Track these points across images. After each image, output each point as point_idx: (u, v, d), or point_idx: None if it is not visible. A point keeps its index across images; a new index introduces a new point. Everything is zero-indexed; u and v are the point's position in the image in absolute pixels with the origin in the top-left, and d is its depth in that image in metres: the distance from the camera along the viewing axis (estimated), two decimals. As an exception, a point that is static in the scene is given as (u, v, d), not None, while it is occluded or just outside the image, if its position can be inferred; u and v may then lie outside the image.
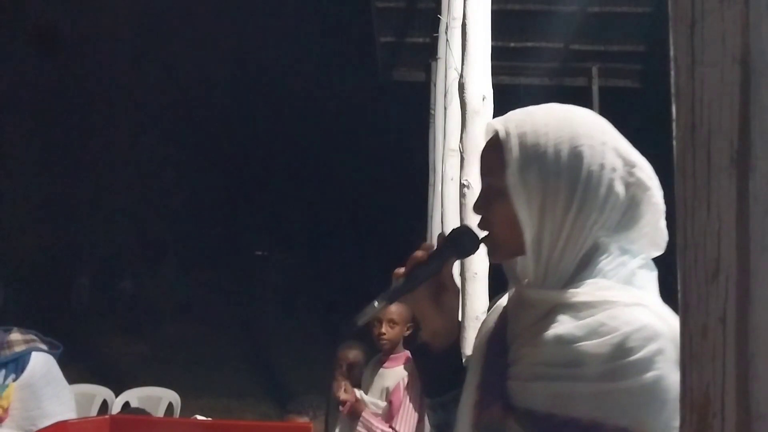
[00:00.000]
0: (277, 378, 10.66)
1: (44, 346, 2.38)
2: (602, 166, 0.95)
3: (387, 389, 3.10)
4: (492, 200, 1.01)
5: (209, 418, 2.81)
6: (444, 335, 1.07)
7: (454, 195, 3.57)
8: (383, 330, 3.12)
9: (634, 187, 0.97)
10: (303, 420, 2.64)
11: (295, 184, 22.63)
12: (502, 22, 4.84)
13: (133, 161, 18.84)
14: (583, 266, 0.96)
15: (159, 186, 19.07)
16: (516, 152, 0.97)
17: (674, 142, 0.51)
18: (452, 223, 3.79)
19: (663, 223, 0.99)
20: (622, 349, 0.87)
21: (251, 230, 23.30)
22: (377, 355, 3.29)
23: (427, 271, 1.03)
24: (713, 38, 0.47)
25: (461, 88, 2.63)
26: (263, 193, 22.58)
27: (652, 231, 0.99)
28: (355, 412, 3.01)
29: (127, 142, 18.61)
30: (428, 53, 6.08)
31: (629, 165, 0.97)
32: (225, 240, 21.98)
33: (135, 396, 5.05)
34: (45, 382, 2.32)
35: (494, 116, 2.70)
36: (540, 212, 0.96)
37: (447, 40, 3.90)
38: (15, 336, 2.35)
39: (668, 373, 0.85)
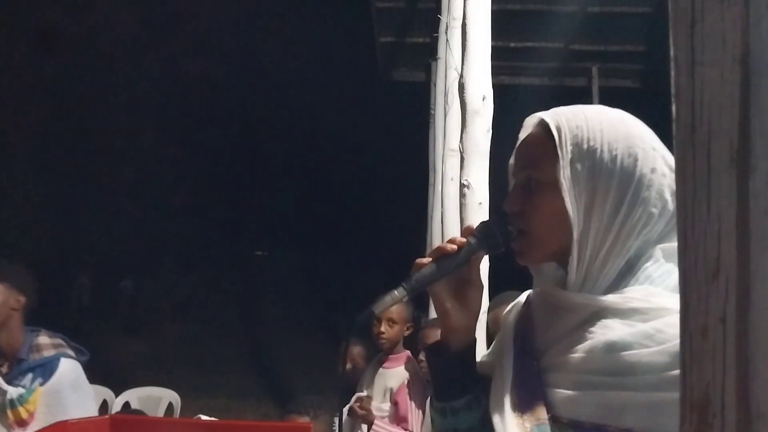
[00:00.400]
0: (277, 378, 10.66)
1: (71, 352, 2.38)
2: (654, 171, 0.92)
3: (390, 390, 3.07)
4: (536, 195, 0.96)
5: (213, 418, 2.81)
6: (463, 333, 0.99)
7: (454, 195, 3.57)
8: (382, 329, 3.08)
9: None
10: (303, 420, 2.63)
11: (295, 184, 22.62)
12: (502, 22, 4.84)
13: (133, 161, 18.84)
14: (628, 271, 0.93)
15: (159, 186, 19.06)
16: (569, 145, 0.93)
17: (674, 142, 0.51)
18: (452, 223, 3.79)
19: None
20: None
21: (251, 230, 23.29)
22: (378, 354, 3.27)
23: (454, 263, 0.97)
24: (713, 38, 0.47)
25: (461, 88, 2.63)
26: (263, 193, 22.57)
27: None
28: (365, 421, 2.98)
29: (127, 141, 18.61)
30: (428, 53, 6.09)
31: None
32: (225, 240, 21.97)
33: (135, 396, 5.05)
34: (72, 390, 2.31)
35: (494, 116, 2.71)
36: (587, 211, 0.92)
37: (447, 40, 3.90)
38: (43, 339, 2.35)
39: None
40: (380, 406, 3.06)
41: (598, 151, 0.92)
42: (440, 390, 1.00)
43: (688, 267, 0.48)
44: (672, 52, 0.50)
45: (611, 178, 0.91)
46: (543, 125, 0.97)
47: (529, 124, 1.01)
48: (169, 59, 18.24)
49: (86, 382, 2.39)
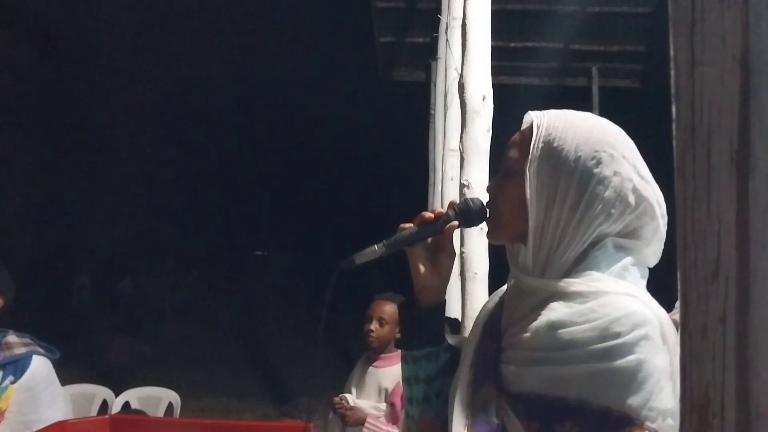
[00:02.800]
0: (277, 378, 10.66)
1: (42, 350, 2.38)
2: (617, 174, 1.00)
3: (386, 390, 3.04)
4: (506, 182, 1.08)
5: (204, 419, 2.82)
6: (432, 292, 1.12)
7: (454, 195, 3.57)
8: (372, 327, 3.06)
9: (645, 204, 1.02)
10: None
11: (295, 184, 22.62)
12: (502, 22, 4.84)
13: (133, 161, 18.83)
14: (581, 259, 1.02)
15: (159, 186, 19.06)
16: (541, 142, 1.03)
17: (674, 142, 0.51)
18: (452, 223, 3.78)
19: (660, 248, 1.05)
20: (609, 332, 0.92)
21: (251, 230, 23.29)
22: (365, 353, 3.26)
23: (432, 229, 1.11)
24: (713, 38, 0.47)
25: (461, 88, 2.63)
26: (263, 193, 22.57)
27: (649, 251, 1.05)
28: (357, 421, 2.96)
29: (127, 141, 18.61)
30: (428, 53, 6.09)
31: (645, 183, 1.02)
32: (225, 240, 21.98)
33: (135, 396, 5.05)
34: (44, 387, 2.32)
35: (494, 116, 2.71)
36: (548, 204, 1.01)
37: (447, 40, 3.90)
38: (12, 338, 2.35)
39: (652, 357, 0.91)
40: (377, 405, 3.05)
41: (564, 150, 1.01)
42: (405, 339, 1.14)
43: (688, 267, 0.48)
44: (672, 52, 0.50)
45: (572, 176, 1.00)
46: (531, 122, 1.08)
47: (526, 120, 1.11)
48: (169, 59, 18.23)
49: (57, 380, 2.40)
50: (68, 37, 16.56)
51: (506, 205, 1.07)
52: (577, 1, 6.06)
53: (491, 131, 2.67)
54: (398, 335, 3.13)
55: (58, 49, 16.65)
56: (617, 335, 0.91)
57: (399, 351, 3.28)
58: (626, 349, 0.91)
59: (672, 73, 0.50)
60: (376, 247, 1.09)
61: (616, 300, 0.95)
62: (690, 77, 0.48)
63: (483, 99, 2.58)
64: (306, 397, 3.13)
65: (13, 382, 2.26)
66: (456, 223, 1.12)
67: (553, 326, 0.97)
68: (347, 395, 3.08)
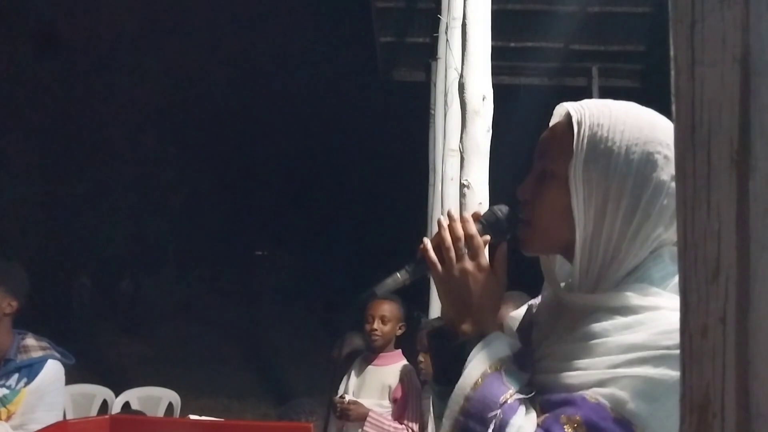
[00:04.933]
0: (277, 378, 10.65)
1: (58, 355, 2.40)
2: (674, 178, 0.88)
3: (389, 387, 3.06)
4: (544, 186, 0.94)
5: (203, 417, 2.81)
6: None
7: (454, 195, 3.57)
8: (375, 327, 3.07)
9: None
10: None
11: (295, 184, 22.64)
12: (502, 22, 4.84)
13: (133, 161, 18.84)
14: (633, 270, 0.91)
15: (159, 185, 19.06)
16: (586, 141, 0.90)
17: (674, 142, 0.51)
18: (452, 223, 3.78)
19: None
20: (656, 344, 0.83)
21: (251, 230, 23.29)
22: (363, 352, 3.25)
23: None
24: (713, 38, 0.47)
25: (461, 88, 2.63)
26: (263, 193, 22.57)
27: None
28: (359, 416, 2.97)
29: (127, 141, 18.61)
30: (428, 53, 6.08)
31: None
32: (225, 240, 21.99)
33: (135, 396, 5.04)
34: (49, 391, 2.34)
35: (494, 116, 2.71)
36: (598, 213, 0.89)
37: (447, 40, 3.90)
38: (30, 341, 2.37)
39: None
40: (381, 403, 3.05)
41: (615, 152, 0.89)
42: (439, 374, 0.98)
43: (688, 267, 0.48)
44: (672, 52, 0.50)
45: (625, 182, 0.88)
46: (568, 117, 0.95)
47: (558, 113, 0.99)
48: (169, 59, 18.23)
49: (63, 385, 2.42)
50: (68, 37, 16.56)
51: (545, 213, 0.94)
52: (577, 1, 6.06)
53: (491, 131, 2.68)
54: (399, 332, 3.15)
55: (58, 49, 16.64)
56: (665, 348, 0.81)
57: (397, 350, 3.26)
58: (670, 362, 0.80)
59: (672, 73, 0.50)
60: (398, 274, 0.96)
61: (671, 316, 0.82)
62: (690, 77, 0.48)
63: (483, 99, 2.58)
64: (303, 398, 3.13)
65: (26, 385, 2.28)
66: (488, 237, 0.97)
67: (595, 335, 0.87)
68: (345, 395, 3.09)
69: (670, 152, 0.87)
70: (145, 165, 18.99)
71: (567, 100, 0.99)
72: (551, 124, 0.99)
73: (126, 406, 4.84)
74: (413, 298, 3.26)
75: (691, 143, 0.48)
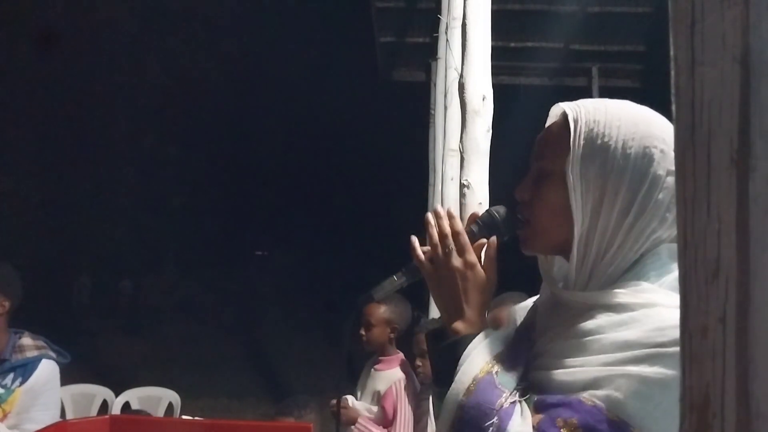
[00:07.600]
0: (277, 378, 10.66)
1: (53, 354, 2.40)
2: (670, 173, 0.88)
3: (378, 393, 3.03)
4: (542, 186, 0.95)
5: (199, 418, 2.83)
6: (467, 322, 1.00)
7: (454, 195, 3.56)
8: (362, 331, 3.06)
9: None
10: (289, 421, 2.64)
11: (295, 184, 22.63)
12: (502, 22, 4.84)
13: (133, 161, 18.84)
14: (629, 268, 0.91)
15: (159, 186, 19.06)
16: (583, 138, 0.91)
17: (674, 142, 0.51)
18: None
19: None
20: (651, 341, 0.83)
21: (251, 230, 23.30)
22: (373, 356, 3.23)
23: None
24: (713, 38, 0.47)
25: (461, 88, 2.63)
26: (263, 193, 22.58)
27: None
28: (348, 420, 2.95)
29: (127, 141, 18.61)
30: (428, 53, 6.08)
31: None
32: (225, 240, 21.99)
33: (135, 396, 5.05)
34: (44, 390, 2.34)
35: (494, 116, 2.71)
36: (594, 209, 0.90)
37: (447, 40, 3.90)
38: (26, 341, 2.37)
39: None
40: (370, 407, 3.03)
41: (612, 148, 0.89)
42: (439, 375, 0.99)
43: (688, 267, 0.48)
44: (672, 52, 0.50)
45: (622, 177, 0.89)
46: (564, 116, 0.95)
47: (554, 113, 1.00)
48: (169, 59, 18.23)
49: (58, 384, 2.42)
50: (68, 37, 16.55)
51: (544, 212, 0.94)
52: (577, 1, 6.06)
53: (491, 131, 2.67)
54: (391, 336, 3.13)
55: (58, 49, 16.64)
56: (660, 345, 0.82)
57: (399, 354, 3.25)
58: (665, 361, 0.80)
59: (672, 73, 0.50)
60: (395, 277, 0.98)
61: (665, 312, 0.84)
62: (690, 77, 0.48)
63: (483, 99, 2.58)
64: (299, 394, 3.14)
65: (20, 385, 2.28)
66: (483, 240, 0.99)
67: (590, 332, 0.88)
68: (349, 396, 3.08)
69: (666, 147, 0.89)
70: (145, 165, 18.99)
71: (567, 101, 1.00)
72: (547, 124, 1.00)
73: (126, 406, 4.84)
74: (413, 299, 3.24)
75: (691, 143, 0.48)
